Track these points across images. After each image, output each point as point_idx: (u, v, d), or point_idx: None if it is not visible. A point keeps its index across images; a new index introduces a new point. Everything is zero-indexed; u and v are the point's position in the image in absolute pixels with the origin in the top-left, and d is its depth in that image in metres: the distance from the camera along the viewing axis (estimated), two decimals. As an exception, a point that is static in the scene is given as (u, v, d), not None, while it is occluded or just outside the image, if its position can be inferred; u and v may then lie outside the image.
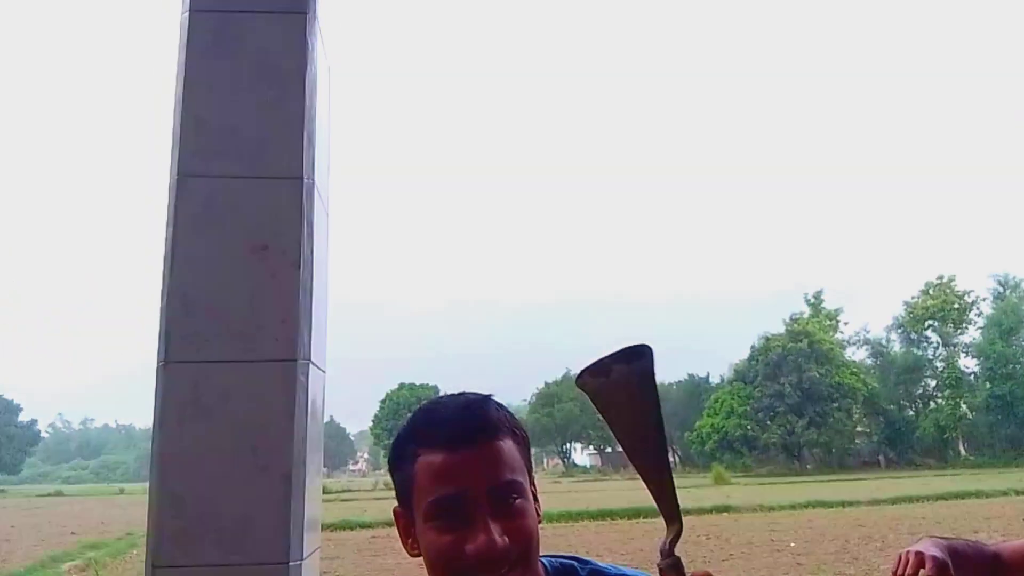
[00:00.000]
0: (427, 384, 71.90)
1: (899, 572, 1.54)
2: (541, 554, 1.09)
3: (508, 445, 1.00)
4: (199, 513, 1.56)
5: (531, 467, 1.07)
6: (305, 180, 1.69)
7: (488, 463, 0.96)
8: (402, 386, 70.73)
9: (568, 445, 71.73)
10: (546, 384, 68.39)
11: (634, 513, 19.43)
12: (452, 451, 0.96)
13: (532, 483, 1.05)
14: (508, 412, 1.06)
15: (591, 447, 73.23)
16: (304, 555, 1.67)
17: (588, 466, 73.04)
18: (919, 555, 1.51)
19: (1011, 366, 47.57)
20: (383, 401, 69.38)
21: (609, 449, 71.56)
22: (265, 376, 1.63)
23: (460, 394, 1.06)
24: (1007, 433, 46.44)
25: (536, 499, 1.04)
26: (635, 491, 29.32)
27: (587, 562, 1.12)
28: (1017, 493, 22.09)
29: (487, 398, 1.05)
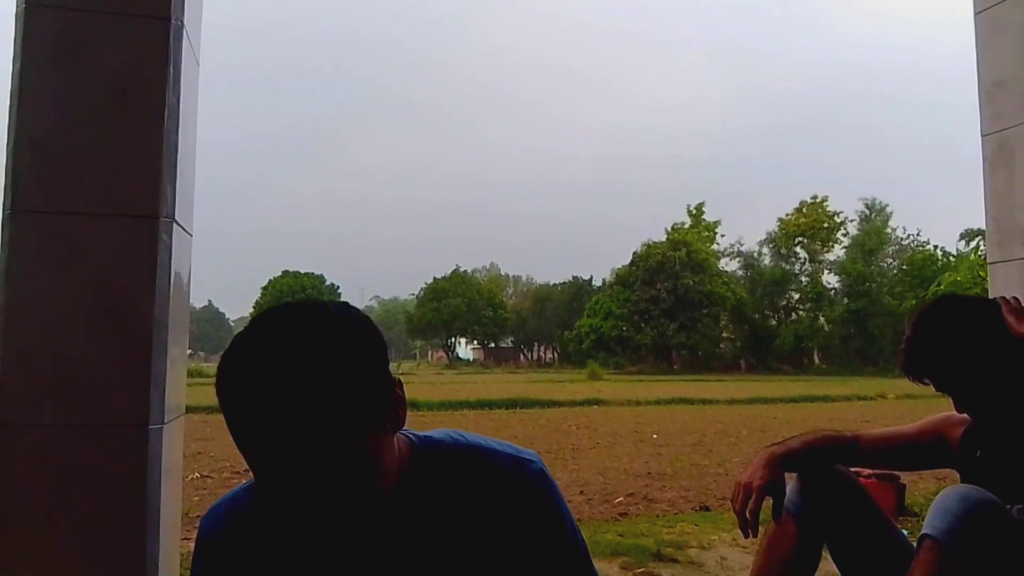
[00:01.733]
0: (312, 272, 70.68)
1: (737, 508, 1.67)
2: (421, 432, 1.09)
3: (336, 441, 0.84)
4: (48, 370, 1.49)
5: (383, 398, 0.93)
6: (172, 20, 1.54)
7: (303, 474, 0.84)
8: (286, 273, 69.25)
9: (453, 339, 72.95)
10: (434, 279, 68.64)
11: (511, 403, 20.22)
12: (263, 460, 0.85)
13: (385, 409, 0.93)
14: (327, 373, 0.84)
15: (475, 342, 74.87)
16: (165, 420, 1.63)
17: (471, 359, 74.85)
18: (747, 486, 1.64)
19: (868, 284, 51.46)
20: (265, 288, 67.83)
21: (492, 344, 73.39)
22: (123, 232, 1.53)
23: (268, 349, 0.85)
24: (856, 346, 50.61)
25: (394, 410, 0.95)
26: (512, 383, 30.44)
27: (461, 435, 1.10)
28: (859, 398, 24.31)
29: (292, 388, 0.82)
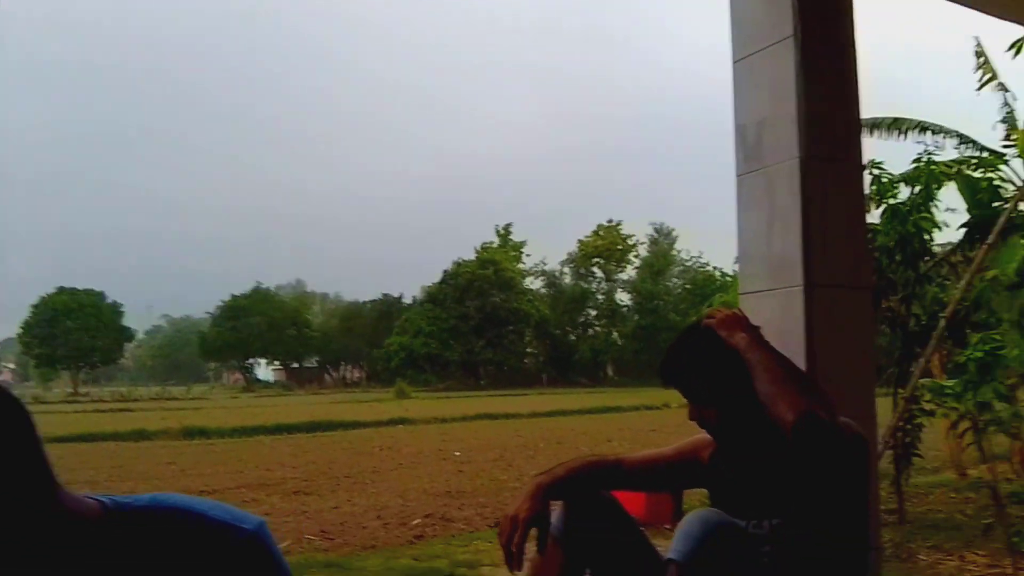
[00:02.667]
0: (92, 289, 64.22)
1: (503, 541, 1.69)
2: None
3: None
4: None
5: None
6: None
7: None
8: (61, 290, 62.37)
9: (252, 360, 69.27)
10: (232, 296, 64.92)
11: (312, 427, 19.51)
12: None
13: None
14: None
15: (276, 362, 71.52)
16: None
17: (272, 381, 71.45)
18: (513, 519, 1.67)
19: (656, 302, 55.44)
20: (36, 306, 60.70)
21: (296, 365, 70.57)
22: None
23: None
24: (646, 359, 54.06)
25: None
26: (315, 405, 29.45)
27: (168, 499, 1.00)
28: (646, 408, 25.96)
29: None
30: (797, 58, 2.27)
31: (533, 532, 1.74)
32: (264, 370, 74.30)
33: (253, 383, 66.19)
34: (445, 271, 56.07)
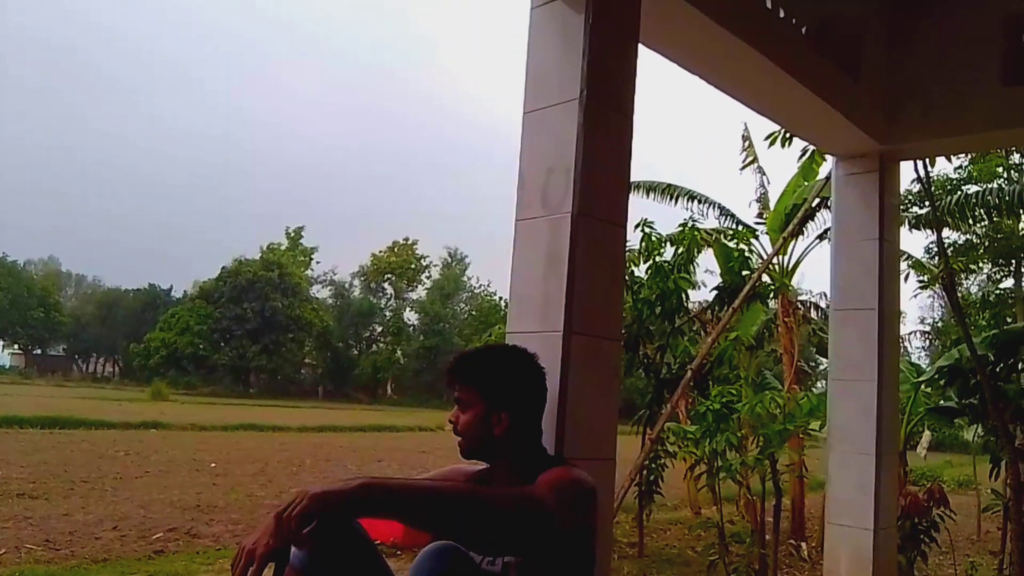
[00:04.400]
0: None
1: (235, 573, 1.60)
2: None
3: None
4: None
5: None
6: None
7: None
8: None
9: (-14, 341, 60.85)
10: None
11: (51, 422, 17.48)
12: None
13: None
14: None
15: (16, 346, 63.30)
16: None
17: (8, 366, 63.04)
18: (249, 552, 1.58)
19: (442, 324, 56.03)
20: None
21: (39, 351, 62.96)
22: None
23: None
24: (427, 380, 54.46)
25: None
26: (57, 399, 26.43)
27: None
28: (420, 429, 26.06)
29: None
30: (580, 119, 2.42)
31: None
32: (1, 353, 65.47)
33: (-16, 367, 58.08)
34: (224, 268, 52.79)
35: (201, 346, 49.71)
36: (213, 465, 12.62)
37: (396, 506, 1.55)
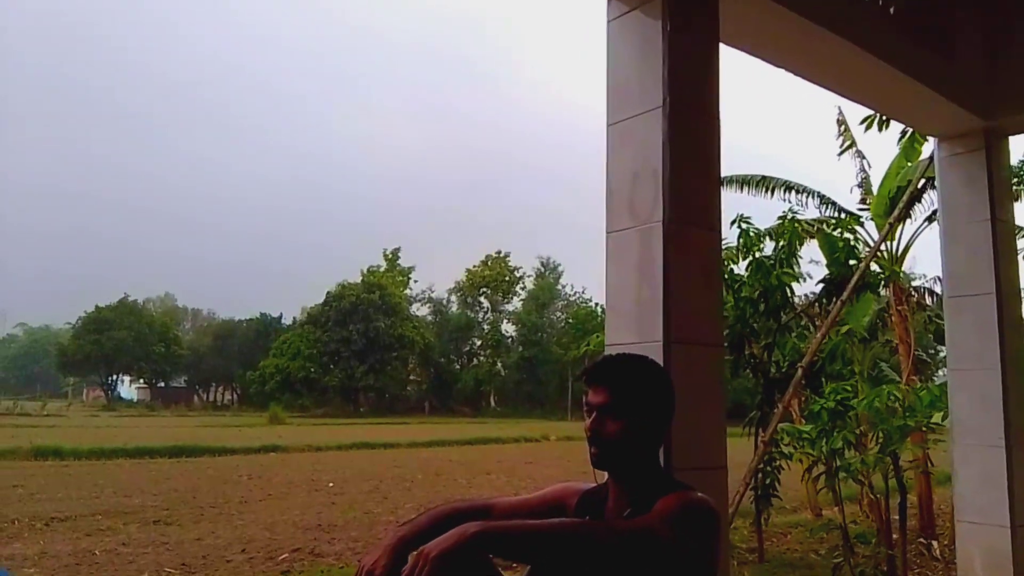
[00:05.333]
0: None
1: None
2: None
3: None
4: None
5: None
6: None
7: None
8: None
9: (116, 377, 65.10)
10: (97, 307, 61.01)
11: (177, 451, 18.54)
12: None
13: None
14: None
15: (141, 380, 67.51)
16: None
17: (135, 400, 67.33)
18: (368, 573, 1.65)
19: (539, 334, 56.23)
20: None
21: (162, 384, 66.95)
22: None
23: None
24: (528, 390, 54.75)
25: None
26: (181, 428, 28.02)
27: None
28: (526, 440, 26.21)
29: None
30: (664, 127, 2.41)
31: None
32: (128, 388, 70.05)
33: (115, 401, 62.22)
34: (328, 292, 54.79)
35: (312, 369, 51.65)
36: (331, 484, 13.08)
37: (513, 551, 1.58)
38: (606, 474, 1.98)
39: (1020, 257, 10.53)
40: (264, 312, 65.79)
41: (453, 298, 62.08)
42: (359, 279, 56.36)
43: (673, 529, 1.65)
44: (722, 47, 2.93)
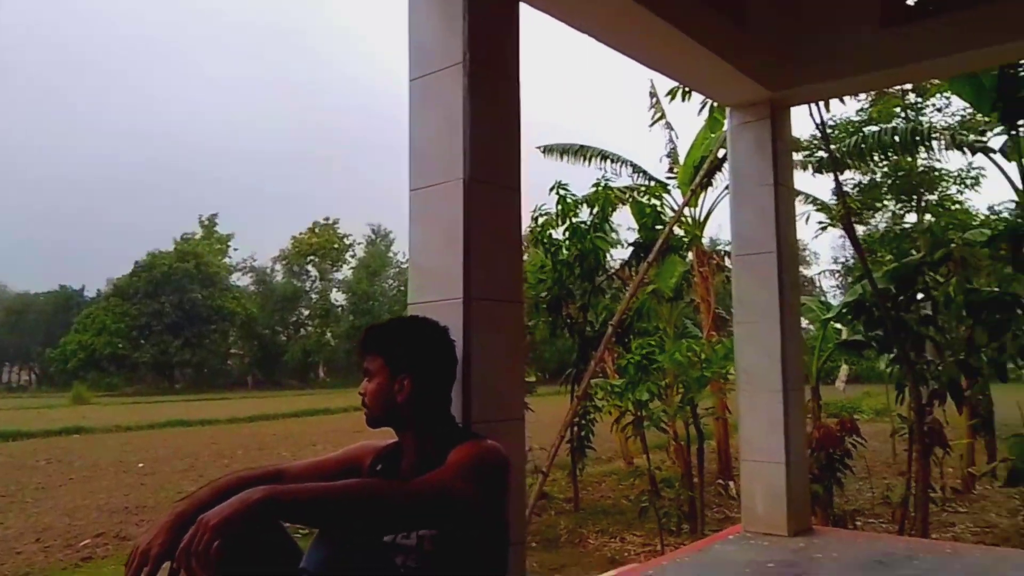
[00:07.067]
0: None
1: (128, 572, 1.55)
2: None
3: None
4: None
5: None
6: None
7: None
8: None
9: None
10: None
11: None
12: None
13: None
14: None
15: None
16: None
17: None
18: (143, 553, 1.53)
19: (371, 303, 55.39)
20: None
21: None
22: None
23: None
24: (359, 360, 53.85)
25: None
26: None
27: None
28: (356, 409, 25.65)
29: None
30: (465, 84, 2.41)
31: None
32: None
33: None
34: (137, 262, 50.74)
35: (120, 345, 47.83)
36: (141, 465, 12.27)
37: (301, 515, 1.50)
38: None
39: (802, 220, 11.63)
40: (64, 284, 60.07)
41: (278, 267, 59.64)
42: (172, 248, 52.66)
43: (464, 479, 1.68)
44: (527, 9, 2.97)
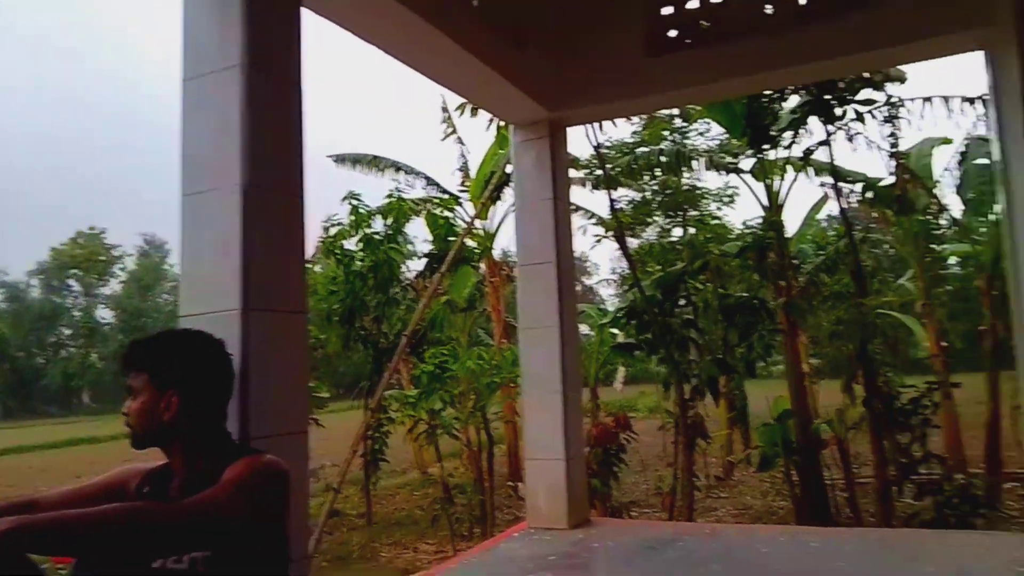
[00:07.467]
0: None
1: None
2: None
3: None
4: None
5: None
6: None
7: None
8: None
9: None
10: None
11: None
12: None
13: None
14: None
15: None
16: None
17: None
18: None
19: (143, 319, 51.06)
20: None
21: None
22: None
23: None
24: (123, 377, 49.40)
25: None
26: None
27: None
28: (125, 437, 23.68)
29: None
30: (243, 86, 2.33)
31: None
32: None
33: None
34: None
35: None
36: None
37: (56, 544, 1.37)
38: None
39: (580, 232, 12.32)
40: None
41: (35, 282, 53.32)
42: None
43: (238, 495, 1.62)
44: (313, 16, 2.93)
